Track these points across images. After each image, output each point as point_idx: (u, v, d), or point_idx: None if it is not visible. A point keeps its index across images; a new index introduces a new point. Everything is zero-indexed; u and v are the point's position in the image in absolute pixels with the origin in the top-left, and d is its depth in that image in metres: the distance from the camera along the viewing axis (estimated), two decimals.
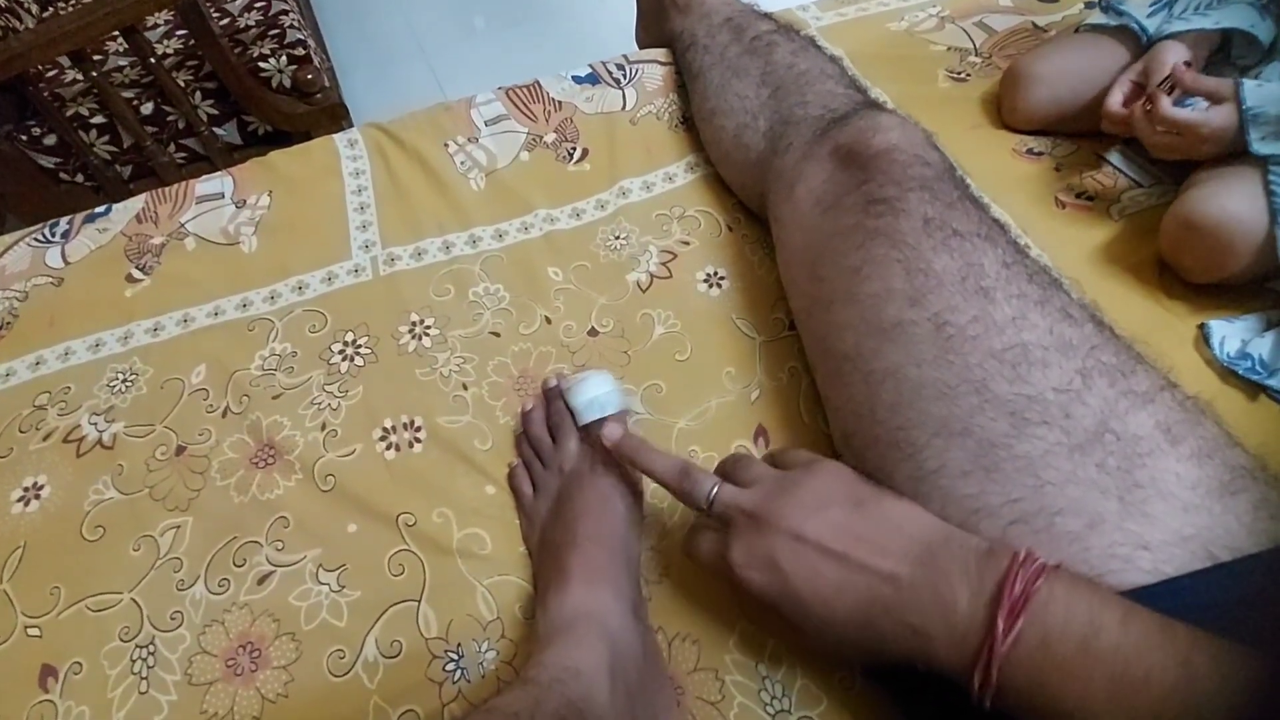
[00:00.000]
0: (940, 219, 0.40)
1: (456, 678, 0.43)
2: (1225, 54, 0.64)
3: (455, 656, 0.44)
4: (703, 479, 0.39)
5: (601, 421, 0.48)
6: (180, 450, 0.53)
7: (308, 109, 1.17)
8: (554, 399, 0.51)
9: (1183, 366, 0.51)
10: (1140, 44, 0.63)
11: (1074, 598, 0.28)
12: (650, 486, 0.49)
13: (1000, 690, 0.28)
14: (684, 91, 0.73)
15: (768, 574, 0.35)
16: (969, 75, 0.74)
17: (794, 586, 0.34)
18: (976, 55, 0.76)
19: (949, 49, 0.77)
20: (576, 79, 0.75)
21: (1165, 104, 0.55)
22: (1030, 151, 0.67)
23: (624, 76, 0.75)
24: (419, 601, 0.46)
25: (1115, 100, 0.59)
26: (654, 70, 0.75)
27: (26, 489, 0.52)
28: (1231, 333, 0.54)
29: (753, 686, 0.42)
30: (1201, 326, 0.54)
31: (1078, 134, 0.67)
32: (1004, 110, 0.68)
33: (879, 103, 0.52)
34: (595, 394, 0.48)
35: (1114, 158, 0.66)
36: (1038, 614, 0.28)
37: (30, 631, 0.46)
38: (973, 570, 0.30)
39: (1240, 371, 0.52)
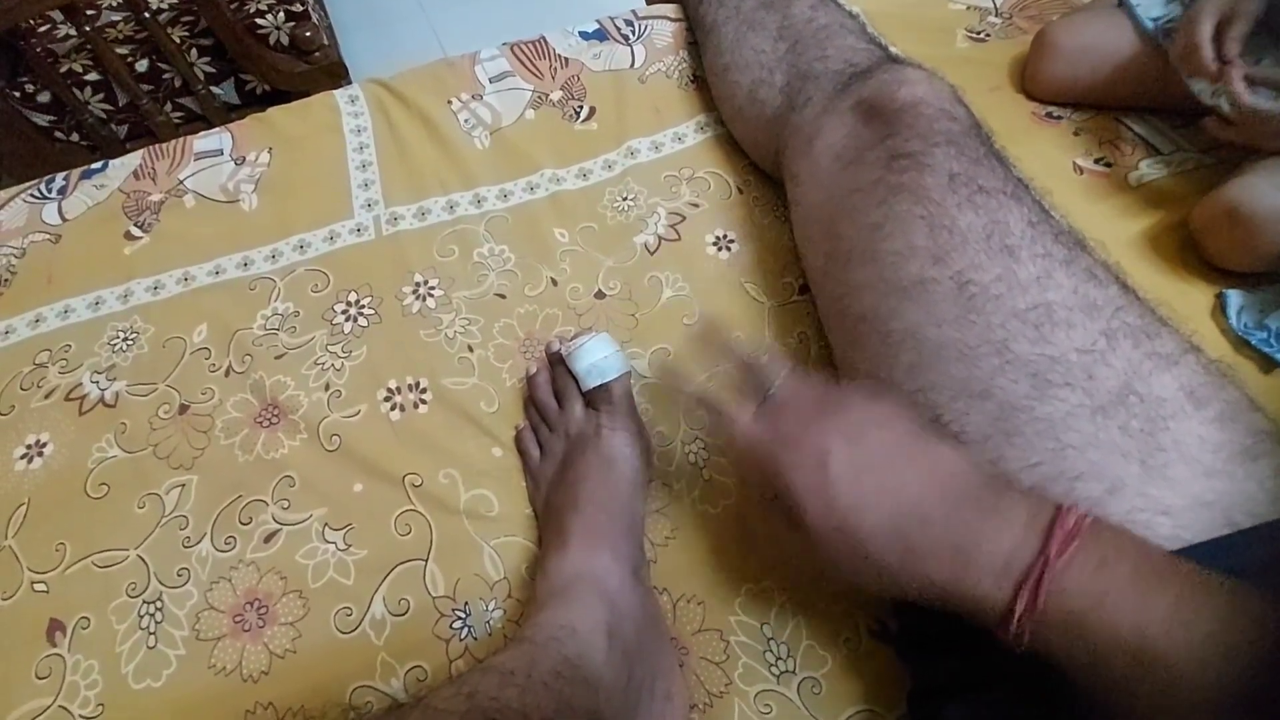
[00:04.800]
0: (966, 175, 0.39)
1: (463, 635, 0.43)
2: (1267, 25, 0.61)
3: (462, 615, 0.44)
4: (775, 365, 0.38)
5: (605, 386, 0.47)
6: (183, 409, 0.53)
7: (306, 67, 1.15)
8: (558, 363, 0.50)
9: (1197, 335, 0.51)
10: (1151, 33, 0.60)
11: (1122, 539, 0.28)
12: (656, 450, 0.49)
13: (1046, 618, 0.27)
14: (694, 49, 0.71)
15: (810, 470, 0.33)
16: (989, 35, 0.72)
17: (832, 485, 0.32)
18: (997, 15, 0.74)
19: (968, 8, 0.75)
20: (584, 35, 0.73)
21: (1244, 95, 0.51)
22: (1049, 115, 0.65)
23: (633, 33, 0.73)
24: (426, 561, 0.46)
25: (1209, 63, 0.54)
26: (664, 27, 0.73)
27: (29, 446, 0.52)
28: (1250, 303, 0.53)
29: (757, 647, 0.42)
30: (1219, 295, 0.54)
31: (1099, 105, 0.65)
32: (1026, 77, 0.67)
33: (902, 57, 0.50)
34: (595, 359, 0.47)
35: (1134, 124, 0.64)
36: (1091, 542, 0.27)
37: (37, 587, 0.46)
38: (1023, 504, 0.30)
39: (1254, 342, 0.51)
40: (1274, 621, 0.25)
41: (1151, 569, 0.27)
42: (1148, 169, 0.61)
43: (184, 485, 0.50)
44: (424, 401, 0.52)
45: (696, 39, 0.70)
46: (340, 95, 0.70)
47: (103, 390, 0.54)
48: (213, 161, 0.66)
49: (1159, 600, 0.26)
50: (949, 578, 0.30)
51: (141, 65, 1.09)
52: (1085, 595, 0.27)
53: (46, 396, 0.54)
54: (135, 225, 0.63)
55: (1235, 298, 0.53)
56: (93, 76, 1.08)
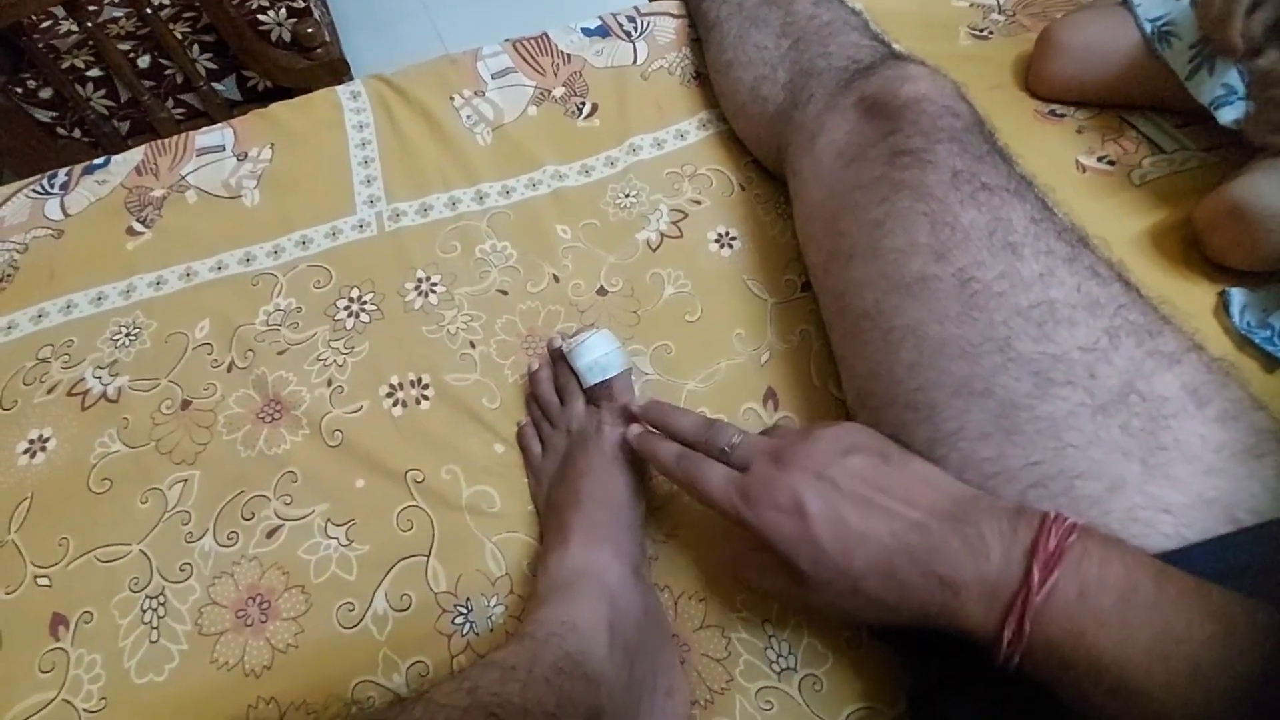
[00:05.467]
0: (969, 171, 0.39)
1: (465, 631, 0.43)
2: None
3: (464, 611, 0.44)
4: (727, 427, 0.39)
5: (607, 383, 0.47)
6: (186, 404, 0.53)
7: (308, 64, 1.15)
8: (559, 360, 0.50)
9: (1199, 333, 0.51)
10: (1147, 35, 0.60)
11: (1108, 554, 0.28)
12: None
13: (1030, 645, 0.28)
14: (697, 46, 0.70)
15: (787, 515, 0.33)
16: (992, 33, 0.72)
17: (814, 530, 0.32)
18: (1000, 12, 0.74)
19: (971, 5, 0.74)
20: (586, 31, 0.73)
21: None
22: (1052, 113, 0.65)
23: (635, 29, 0.72)
24: (428, 557, 0.46)
25: (1237, 36, 0.50)
26: (666, 23, 0.73)
27: (32, 441, 0.52)
28: (1253, 302, 0.53)
29: (759, 644, 0.42)
30: (1222, 293, 0.53)
31: (1103, 103, 0.65)
32: (1030, 75, 0.66)
33: (905, 54, 0.50)
34: (596, 356, 0.47)
35: (1137, 122, 0.64)
36: (1073, 567, 0.27)
37: (40, 581, 0.47)
38: (1005, 525, 0.29)
39: (1257, 341, 0.51)
40: (1262, 641, 0.25)
41: (1136, 594, 0.26)
42: (1151, 167, 0.61)
43: (186, 480, 0.50)
44: (426, 398, 0.53)
45: (699, 35, 0.70)
46: (342, 91, 0.70)
47: (105, 385, 0.54)
48: (215, 157, 0.66)
49: (1140, 634, 0.26)
50: (941, 609, 0.30)
51: (143, 61, 1.09)
52: (1065, 627, 0.27)
53: (49, 391, 0.54)
54: (137, 221, 0.63)
55: (1238, 296, 0.53)
56: (95, 72, 1.08)
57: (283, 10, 1.11)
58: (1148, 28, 0.61)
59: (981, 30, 0.72)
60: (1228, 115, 0.57)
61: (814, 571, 0.33)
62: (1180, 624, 0.26)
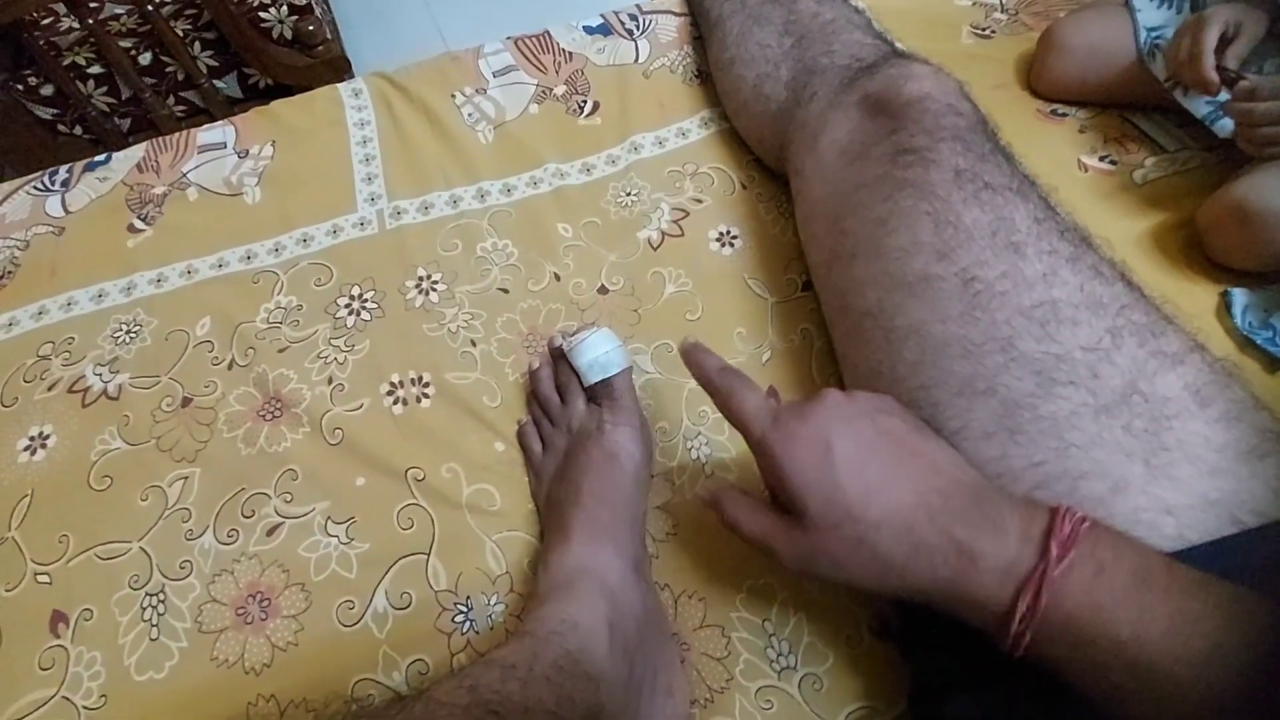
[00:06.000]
0: (972, 171, 0.39)
1: (465, 629, 0.43)
2: (1270, 33, 0.60)
3: (464, 609, 0.44)
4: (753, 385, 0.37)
5: (607, 381, 0.47)
6: (186, 402, 0.53)
7: (309, 62, 1.15)
8: (560, 358, 0.50)
9: (1202, 334, 0.51)
10: (1140, 44, 0.60)
11: (1119, 545, 0.28)
12: (658, 446, 0.49)
13: (1046, 620, 0.27)
14: (699, 44, 0.70)
15: (812, 449, 0.32)
16: (994, 32, 0.72)
17: (837, 469, 0.31)
18: (1002, 11, 0.74)
19: (974, 4, 0.74)
20: (588, 29, 0.73)
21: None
22: (1054, 113, 0.65)
23: (637, 27, 0.72)
24: (428, 555, 0.46)
25: (1210, 72, 0.53)
26: (668, 21, 0.73)
27: (33, 438, 0.52)
28: (1255, 302, 0.53)
29: (759, 643, 0.42)
30: (1224, 294, 0.53)
31: (1105, 103, 0.65)
32: (1033, 75, 0.66)
33: (908, 53, 0.50)
34: (597, 354, 0.47)
35: (1140, 121, 0.64)
36: (1088, 549, 0.27)
37: (40, 578, 0.47)
38: (1015, 512, 0.30)
39: (1259, 342, 0.51)
40: (1272, 628, 0.25)
41: (1150, 579, 0.27)
42: (1153, 167, 0.61)
43: (186, 478, 0.50)
44: (426, 396, 0.52)
45: (701, 33, 0.70)
46: (344, 89, 0.70)
47: (105, 383, 0.54)
48: (216, 154, 0.66)
49: (1157, 612, 0.26)
50: (953, 575, 0.29)
51: (144, 58, 1.09)
52: (1084, 603, 0.27)
53: (50, 389, 0.54)
54: (138, 218, 0.63)
55: (1240, 296, 0.53)
56: (96, 70, 1.08)
57: (284, 8, 1.11)
58: (1143, 36, 0.61)
59: (984, 29, 0.72)
60: (1225, 127, 0.57)
61: (823, 513, 0.31)
62: (1195, 607, 0.26)
